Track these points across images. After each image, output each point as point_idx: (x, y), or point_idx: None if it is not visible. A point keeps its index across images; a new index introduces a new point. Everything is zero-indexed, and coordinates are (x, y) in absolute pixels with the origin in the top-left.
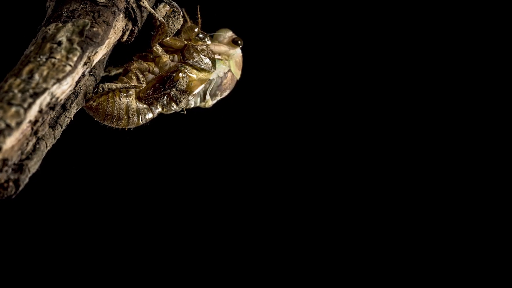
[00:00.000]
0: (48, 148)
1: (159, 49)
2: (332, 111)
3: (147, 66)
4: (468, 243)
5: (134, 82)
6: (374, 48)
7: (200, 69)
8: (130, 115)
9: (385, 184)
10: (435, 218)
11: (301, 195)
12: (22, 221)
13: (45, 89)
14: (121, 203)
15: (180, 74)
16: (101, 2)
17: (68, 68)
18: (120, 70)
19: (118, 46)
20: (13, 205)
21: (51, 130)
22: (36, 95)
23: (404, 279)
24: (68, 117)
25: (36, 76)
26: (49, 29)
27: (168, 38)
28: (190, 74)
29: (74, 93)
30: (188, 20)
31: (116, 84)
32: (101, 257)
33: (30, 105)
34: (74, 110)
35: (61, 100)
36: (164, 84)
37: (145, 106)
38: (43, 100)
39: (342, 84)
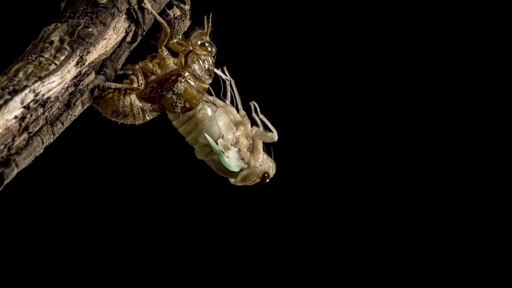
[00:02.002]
0: (46, 144)
1: (164, 52)
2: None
3: (151, 67)
4: (468, 243)
5: (136, 82)
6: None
7: (198, 78)
8: (135, 112)
9: (392, 187)
10: (435, 218)
11: (304, 197)
12: (25, 219)
13: (25, 87)
14: (124, 202)
15: (179, 78)
16: (101, 4)
17: (52, 67)
18: None
19: (138, 47)
20: (16, 202)
21: (49, 126)
22: (15, 92)
23: (404, 279)
24: (71, 115)
25: (20, 74)
26: (48, 29)
27: (174, 41)
28: (188, 80)
29: (80, 91)
30: (206, 26)
31: (116, 84)
32: (107, 255)
33: (6, 102)
34: (79, 108)
35: (49, 97)
36: (162, 85)
37: (148, 103)
38: (24, 97)
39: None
